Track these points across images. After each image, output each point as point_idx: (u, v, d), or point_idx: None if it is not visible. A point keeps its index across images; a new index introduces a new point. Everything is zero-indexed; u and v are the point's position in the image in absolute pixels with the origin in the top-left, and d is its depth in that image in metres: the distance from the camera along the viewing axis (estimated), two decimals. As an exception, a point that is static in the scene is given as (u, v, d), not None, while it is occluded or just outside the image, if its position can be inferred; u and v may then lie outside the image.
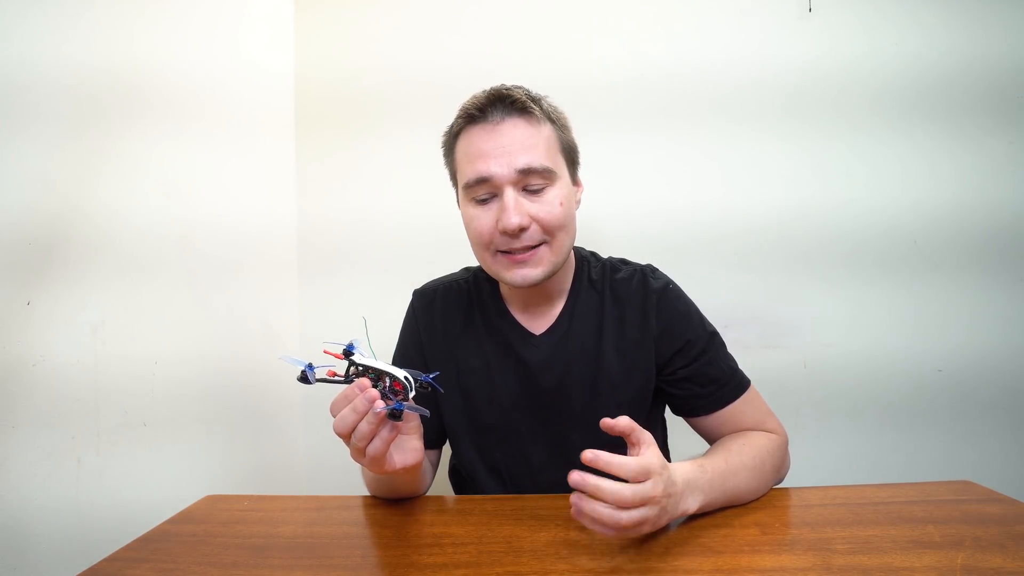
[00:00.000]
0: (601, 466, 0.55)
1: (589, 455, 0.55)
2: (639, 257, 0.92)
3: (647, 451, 0.58)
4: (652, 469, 0.57)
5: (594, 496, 0.54)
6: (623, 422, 0.59)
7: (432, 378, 0.60)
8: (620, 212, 1.34)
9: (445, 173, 0.85)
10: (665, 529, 0.64)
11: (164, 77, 1.03)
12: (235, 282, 1.21)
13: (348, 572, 0.59)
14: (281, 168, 1.41)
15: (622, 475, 0.56)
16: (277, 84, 1.40)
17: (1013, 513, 0.65)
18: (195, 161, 1.10)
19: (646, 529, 0.58)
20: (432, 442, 0.87)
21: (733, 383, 0.82)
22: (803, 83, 1.30)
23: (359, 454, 0.60)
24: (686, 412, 0.85)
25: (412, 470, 0.69)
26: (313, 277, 1.45)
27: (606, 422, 0.58)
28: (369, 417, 0.57)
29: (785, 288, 1.32)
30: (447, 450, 0.93)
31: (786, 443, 0.82)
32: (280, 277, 1.40)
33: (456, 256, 0.97)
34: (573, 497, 0.56)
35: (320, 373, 0.59)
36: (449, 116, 0.81)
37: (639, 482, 0.56)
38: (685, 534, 0.63)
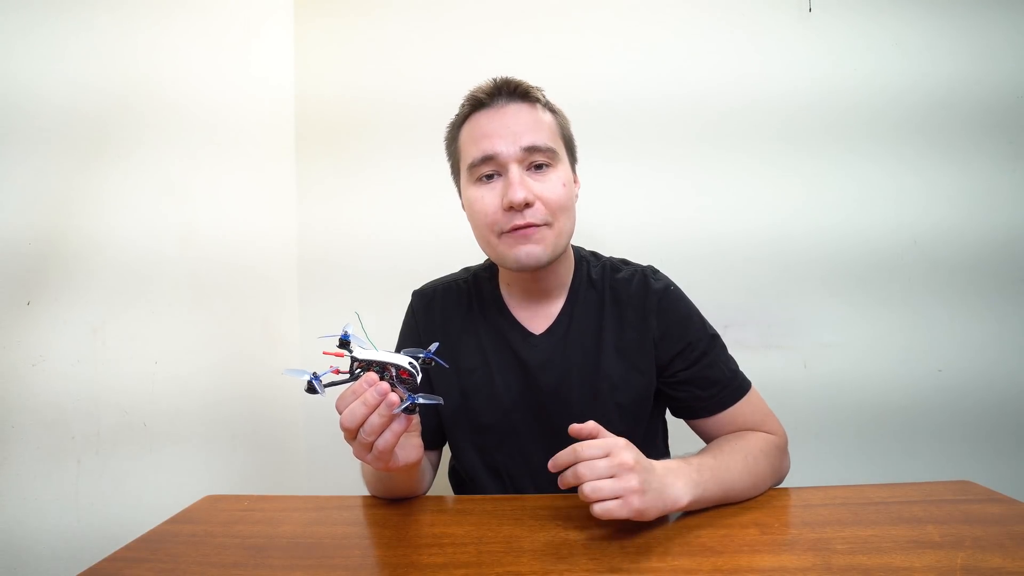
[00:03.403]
0: (584, 435, 0.64)
1: (573, 427, 0.64)
2: (638, 260, 0.92)
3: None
4: (617, 441, 0.63)
5: (576, 460, 0.62)
6: (589, 425, 0.64)
7: (433, 352, 0.60)
8: (619, 225, 1.35)
9: (444, 182, 0.85)
10: (663, 522, 0.64)
11: (166, 93, 1.03)
12: (236, 283, 1.21)
13: (348, 572, 0.59)
14: (281, 181, 1.42)
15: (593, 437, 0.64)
16: (277, 100, 1.40)
17: (1013, 513, 0.65)
18: (196, 174, 1.10)
19: (635, 502, 0.59)
20: (432, 443, 0.87)
21: (734, 386, 0.82)
22: (802, 90, 1.30)
23: (365, 450, 0.60)
24: (687, 414, 0.85)
25: (412, 467, 0.69)
26: (313, 280, 1.45)
27: (573, 427, 0.64)
28: (381, 409, 0.56)
29: (785, 288, 1.32)
30: (447, 451, 0.93)
31: (785, 444, 0.82)
32: (281, 280, 1.40)
33: (456, 267, 0.97)
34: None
35: (325, 377, 0.59)
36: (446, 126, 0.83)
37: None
38: (685, 534, 0.63)
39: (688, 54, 1.34)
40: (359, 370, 0.58)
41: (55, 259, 0.82)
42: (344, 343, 0.58)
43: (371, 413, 0.57)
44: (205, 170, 1.12)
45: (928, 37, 1.28)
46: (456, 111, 0.82)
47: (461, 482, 0.93)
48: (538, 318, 0.85)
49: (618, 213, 1.35)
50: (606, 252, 0.93)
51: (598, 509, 0.60)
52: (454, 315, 0.88)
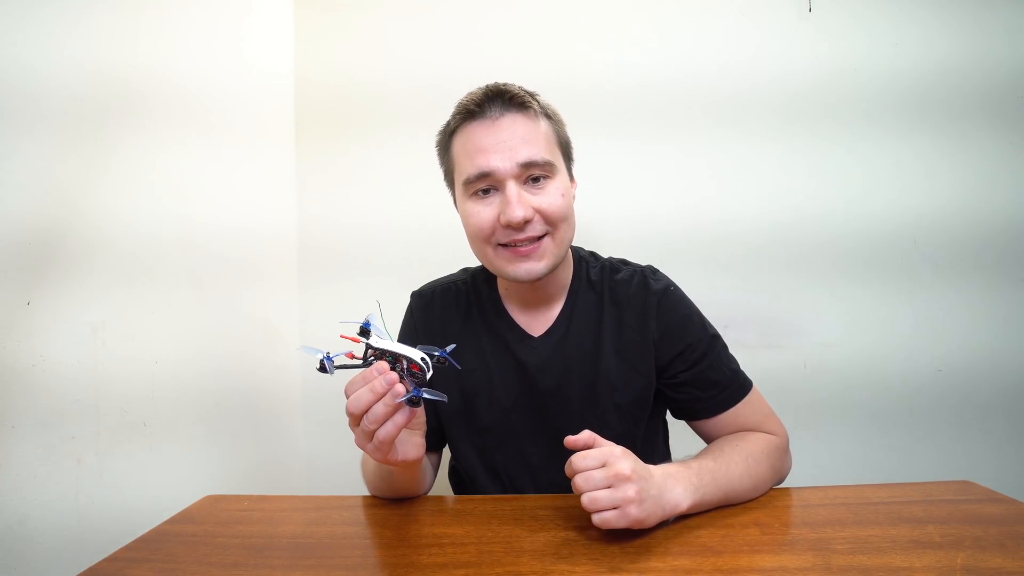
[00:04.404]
0: (579, 447, 0.63)
1: (568, 439, 0.63)
2: (637, 259, 0.91)
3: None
4: (613, 450, 0.62)
5: (573, 473, 0.62)
6: (584, 436, 0.63)
7: (449, 352, 0.60)
8: (618, 215, 1.35)
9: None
10: (663, 526, 0.64)
11: (165, 80, 1.03)
12: (235, 282, 1.21)
13: (348, 572, 0.59)
14: (281, 170, 1.41)
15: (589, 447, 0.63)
16: (277, 87, 1.40)
17: (1013, 513, 0.65)
18: (196, 163, 1.10)
19: (632, 511, 0.59)
20: (433, 444, 0.87)
21: (735, 386, 0.82)
22: (801, 85, 1.31)
23: (366, 438, 0.60)
24: (687, 415, 0.85)
25: (413, 466, 0.69)
26: (313, 278, 1.45)
27: (568, 439, 0.63)
28: (386, 399, 0.56)
29: (785, 289, 1.32)
30: (447, 452, 0.93)
31: (786, 444, 0.82)
32: (280, 277, 1.40)
33: (456, 257, 0.97)
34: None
35: (337, 359, 0.59)
36: (447, 118, 0.81)
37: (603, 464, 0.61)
38: (685, 534, 0.63)
39: (688, 47, 1.34)
40: (372, 358, 0.59)
41: (55, 258, 0.82)
42: (364, 331, 0.59)
43: (377, 401, 0.57)
44: (204, 162, 1.12)
45: (927, 26, 1.28)
46: (457, 99, 0.79)
47: (461, 482, 0.93)
48: (537, 320, 0.85)
49: (615, 207, 1.34)
50: (603, 246, 0.93)
51: (596, 520, 0.60)
52: (453, 317, 0.88)
